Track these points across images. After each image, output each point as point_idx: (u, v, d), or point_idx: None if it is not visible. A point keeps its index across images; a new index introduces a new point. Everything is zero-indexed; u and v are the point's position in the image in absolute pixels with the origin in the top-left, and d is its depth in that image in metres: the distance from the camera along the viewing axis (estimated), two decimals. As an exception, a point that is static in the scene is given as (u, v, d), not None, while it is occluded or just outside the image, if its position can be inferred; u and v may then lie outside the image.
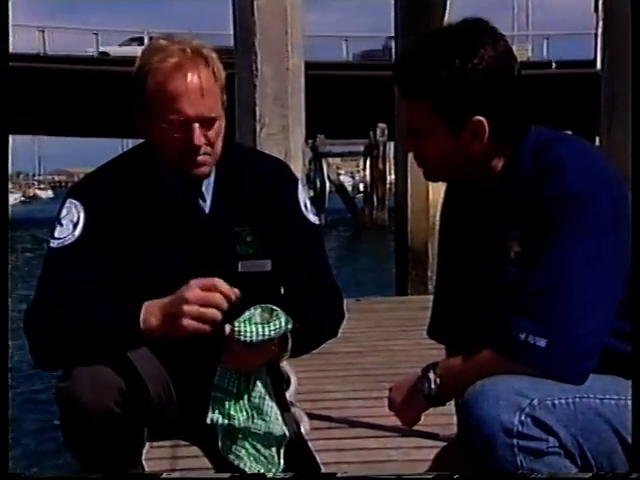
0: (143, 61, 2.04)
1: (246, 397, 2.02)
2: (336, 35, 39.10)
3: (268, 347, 1.96)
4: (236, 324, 1.91)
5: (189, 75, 2.01)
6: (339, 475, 1.87)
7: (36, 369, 2.14)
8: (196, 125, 2.02)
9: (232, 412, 2.01)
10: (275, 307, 1.96)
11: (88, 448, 1.97)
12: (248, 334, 1.90)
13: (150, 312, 1.93)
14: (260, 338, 1.91)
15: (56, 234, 2.08)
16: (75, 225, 2.07)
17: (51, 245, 2.08)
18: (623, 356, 1.75)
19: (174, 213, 2.12)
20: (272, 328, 1.92)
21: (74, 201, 2.10)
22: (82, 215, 2.08)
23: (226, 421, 2.01)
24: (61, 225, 2.08)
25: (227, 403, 2.01)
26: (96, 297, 2.01)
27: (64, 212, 2.10)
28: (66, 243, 2.06)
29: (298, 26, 5.22)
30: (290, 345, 2.02)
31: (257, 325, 1.91)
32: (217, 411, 2.01)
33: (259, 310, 1.95)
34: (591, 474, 1.68)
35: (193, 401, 2.07)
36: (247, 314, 1.93)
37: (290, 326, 1.95)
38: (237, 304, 1.92)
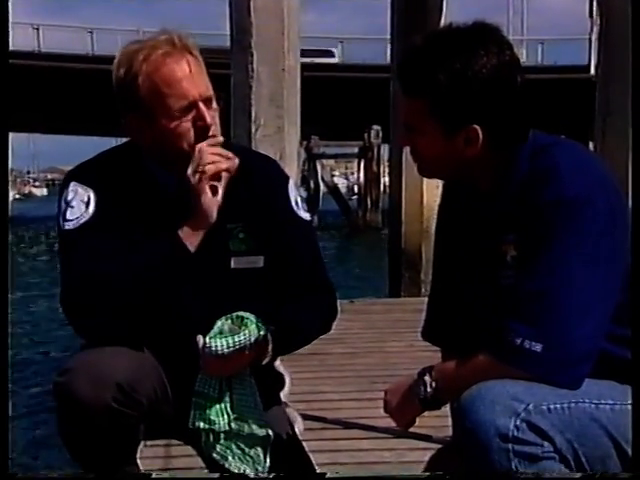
0: (127, 66, 2.03)
1: (228, 401, 2.06)
2: (331, 37, 39.07)
3: (241, 355, 2.00)
4: (207, 339, 1.98)
5: (180, 59, 2.02)
6: (329, 475, 1.87)
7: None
8: (202, 104, 2.03)
9: (213, 417, 2.05)
10: (246, 315, 2.01)
11: (84, 443, 1.97)
12: (219, 347, 1.97)
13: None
14: (230, 349, 1.97)
15: (68, 216, 2.06)
16: (87, 204, 2.06)
17: (66, 227, 2.06)
18: (619, 361, 1.76)
19: (167, 209, 2.11)
20: (240, 338, 1.98)
21: (79, 183, 2.10)
22: (92, 194, 2.07)
23: (207, 425, 2.05)
24: (72, 207, 2.07)
25: (208, 408, 2.05)
26: None
27: (71, 195, 2.08)
28: (82, 222, 2.05)
29: (294, 27, 5.22)
30: (271, 347, 2.04)
31: (226, 338, 1.98)
32: (198, 416, 2.05)
33: (228, 321, 2.00)
34: (580, 474, 1.68)
35: (187, 400, 2.06)
36: (216, 327, 2.00)
37: (263, 332, 2.00)
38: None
